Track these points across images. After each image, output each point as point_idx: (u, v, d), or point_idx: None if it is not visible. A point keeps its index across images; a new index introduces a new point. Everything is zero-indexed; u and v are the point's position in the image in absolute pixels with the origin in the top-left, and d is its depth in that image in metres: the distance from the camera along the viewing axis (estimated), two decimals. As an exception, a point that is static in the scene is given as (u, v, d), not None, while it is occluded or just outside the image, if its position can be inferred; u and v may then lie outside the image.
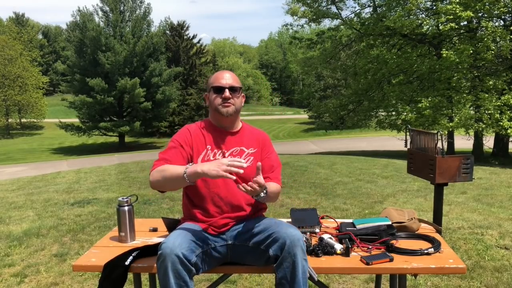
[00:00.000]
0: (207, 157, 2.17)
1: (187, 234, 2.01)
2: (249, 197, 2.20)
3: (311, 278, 2.01)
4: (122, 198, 2.41)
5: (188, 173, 1.95)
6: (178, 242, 1.91)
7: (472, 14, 13.35)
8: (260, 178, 1.96)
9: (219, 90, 2.19)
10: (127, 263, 2.08)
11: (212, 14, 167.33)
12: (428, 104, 13.91)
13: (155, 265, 1.92)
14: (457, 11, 13.18)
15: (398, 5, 16.11)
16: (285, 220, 2.62)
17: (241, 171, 1.87)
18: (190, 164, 2.05)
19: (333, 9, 18.91)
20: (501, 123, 13.34)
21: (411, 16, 15.63)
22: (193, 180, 1.97)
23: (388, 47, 17.29)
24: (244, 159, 2.20)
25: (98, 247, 2.35)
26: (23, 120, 42.77)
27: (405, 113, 15.08)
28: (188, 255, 1.89)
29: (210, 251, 2.06)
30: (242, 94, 2.29)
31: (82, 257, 2.24)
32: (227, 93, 2.18)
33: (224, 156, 2.18)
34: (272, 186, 2.16)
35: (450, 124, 13.84)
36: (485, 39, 13.66)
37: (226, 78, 2.22)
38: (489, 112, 13.58)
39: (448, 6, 13.49)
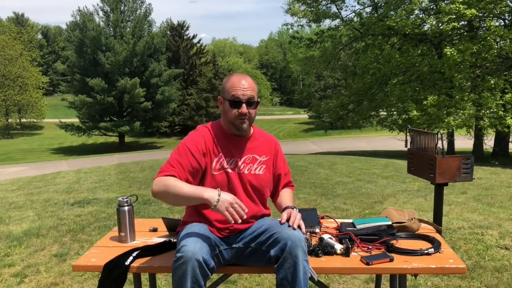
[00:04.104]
0: (219, 165, 2.10)
1: (204, 237, 1.98)
2: (258, 210, 2.21)
3: (311, 278, 2.01)
4: (122, 198, 2.41)
5: (216, 205, 1.89)
6: (199, 246, 1.88)
7: (476, 13, 13.36)
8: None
9: (236, 104, 2.05)
10: (127, 263, 2.08)
11: (212, 14, 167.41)
12: (433, 102, 13.93)
13: (172, 266, 1.88)
14: (461, 9, 13.20)
15: (399, 5, 16.11)
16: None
17: (239, 220, 1.87)
18: (221, 192, 1.91)
19: (333, 8, 18.93)
20: (505, 121, 13.36)
21: (412, 16, 15.65)
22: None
23: (389, 47, 17.30)
24: (257, 166, 2.19)
25: (98, 247, 2.35)
26: (23, 120, 42.75)
27: (408, 112, 15.07)
28: (208, 260, 1.88)
29: (218, 254, 2.05)
30: (258, 99, 2.15)
31: (82, 257, 2.24)
32: (244, 109, 2.04)
33: (237, 165, 2.14)
34: (290, 197, 2.37)
35: (455, 122, 13.84)
36: (488, 38, 13.68)
37: (245, 89, 2.04)
38: (492, 110, 13.60)
39: (452, 6, 13.51)
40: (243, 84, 2.05)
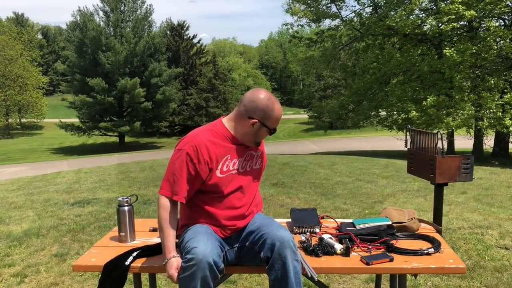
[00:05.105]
0: (226, 168, 2.12)
1: (213, 238, 2.01)
2: (258, 210, 2.26)
3: (311, 278, 2.01)
4: (122, 198, 2.41)
5: (166, 263, 2.01)
6: (210, 248, 1.90)
7: (475, 14, 13.37)
8: None
9: (272, 131, 2.18)
10: (127, 263, 2.09)
11: (212, 14, 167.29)
12: (432, 103, 13.94)
13: (181, 264, 1.93)
14: (460, 10, 13.21)
15: (399, 5, 16.11)
16: (285, 220, 2.63)
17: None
18: (171, 258, 2.01)
19: (333, 8, 18.94)
20: (503, 121, 13.37)
21: (412, 16, 15.65)
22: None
23: (390, 46, 17.29)
24: (256, 161, 2.25)
25: (98, 247, 2.35)
26: (23, 120, 42.76)
27: (408, 112, 15.06)
28: (218, 262, 1.90)
29: (224, 256, 2.06)
30: None
31: (82, 257, 2.25)
32: (271, 135, 2.21)
33: (240, 164, 2.17)
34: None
35: (454, 122, 13.84)
36: (488, 38, 13.69)
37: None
38: (492, 110, 13.61)
39: (451, 6, 13.51)
40: (281, 116, 2.20)
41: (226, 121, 2.18)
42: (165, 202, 2.06)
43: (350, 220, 2.52)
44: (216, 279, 1.91)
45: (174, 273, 1.94)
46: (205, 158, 2.06)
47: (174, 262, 1.96)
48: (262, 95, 2.11)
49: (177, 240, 2.21)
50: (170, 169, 2.09)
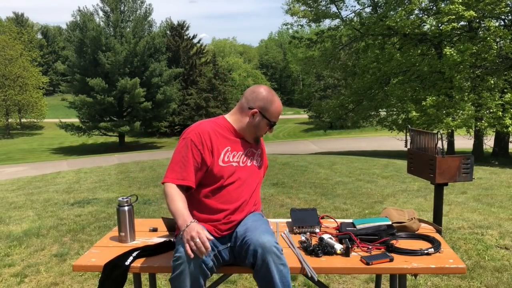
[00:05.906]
0: (227, 158, 2.17)
1: None
2: (256, 209, 2.27)
3: (311, 278, 2.01)
4: (122, 198, 2.41)
5: (186, 227, 1.91)
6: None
7: (475, 14, 13.38)
8: None
9: (272, 124, 2.25)
10: (127, 263, 2.08)
11: (212, 14, 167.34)
12: (432, 103, 13.94)
13: (171, 264, 1.93)
14: (460, 11, 13.21)
15: (399, 5, 16.11)
16: (285, 220, 2.63)
17: (191, 255, 1.85)
18: (192, 222, 1.93)
19: (333, 8, 18.95)
20: (503, 121, 13.37)
21: (412, 16, 15.66)
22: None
23: (390, 46, 17.29)
24: (257, 158, 2.30)
25: (98, 247, 2.35)
26: (23, 120, 42.77)
27: (407, 112, 15.06)
28: (206, 260, 1.91)
29: (217, 255, 2.06)
30: None
31: (82, 257, 2.24)
32: (272, 130, 2.29)
33: (241, 158, 2.21)
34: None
35: (454, 123, 13.84)
36: (488, 38, 13.70)
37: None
38: (492, 110, 13.61)
39: (451, 6, 13.52)
40: (281, 111, 2.29)
41: (228, 116, 2.27)
42: (170, 185, 2.09)
43: (350, 220, 2.52)
44: (206, 277, 1.92)
45: (201, 232, 1.86)
46: (208, 145, 2.13)
47: (195, 225, 1.90)
48: (262, 89, 2.24)
49: (174, 239, 2.22)
50: (175, 157, 2.14)
